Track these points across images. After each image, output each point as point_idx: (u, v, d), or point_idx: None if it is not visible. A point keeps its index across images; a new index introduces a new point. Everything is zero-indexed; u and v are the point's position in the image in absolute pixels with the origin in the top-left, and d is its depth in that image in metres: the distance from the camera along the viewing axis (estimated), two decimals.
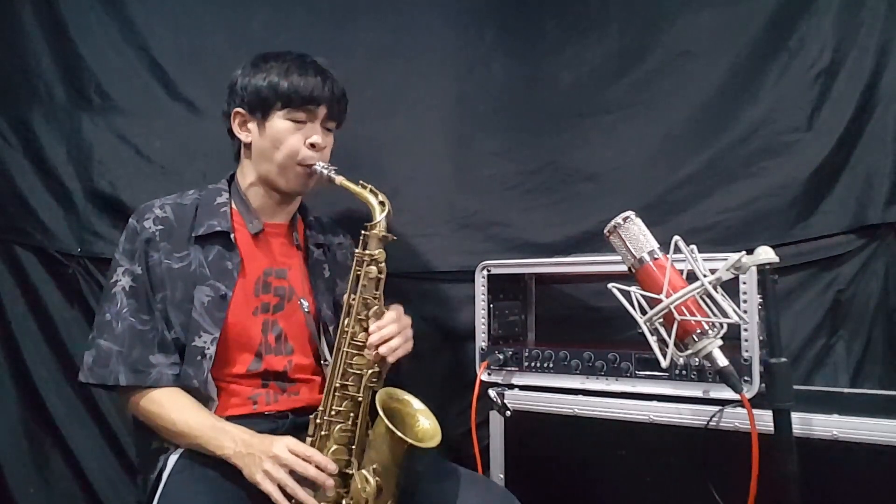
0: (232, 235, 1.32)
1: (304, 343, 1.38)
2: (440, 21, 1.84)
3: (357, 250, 1.28)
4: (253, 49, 1.82)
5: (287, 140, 1.33)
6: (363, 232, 1.28)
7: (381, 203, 1.28)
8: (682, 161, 1.70)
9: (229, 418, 1.24)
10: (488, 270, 1.52)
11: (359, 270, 1.26)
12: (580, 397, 1.36)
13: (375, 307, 1.25)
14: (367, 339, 1.23)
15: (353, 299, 1.25)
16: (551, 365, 1.42)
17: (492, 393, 1.45)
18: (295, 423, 1.31)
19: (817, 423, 1.13)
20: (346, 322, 1.25)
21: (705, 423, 1.21)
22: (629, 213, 1.08)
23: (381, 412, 1.14)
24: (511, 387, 1.46)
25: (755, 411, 1.11)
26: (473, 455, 1.43)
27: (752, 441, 1.10)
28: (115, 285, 1.27)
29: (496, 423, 1.44)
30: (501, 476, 1.43)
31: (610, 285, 1.07)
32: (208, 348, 1.26)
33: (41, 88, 1.78)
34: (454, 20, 1.84)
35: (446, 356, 1.78)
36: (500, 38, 1.83)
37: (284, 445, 1.12)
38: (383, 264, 1.26)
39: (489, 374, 1.49)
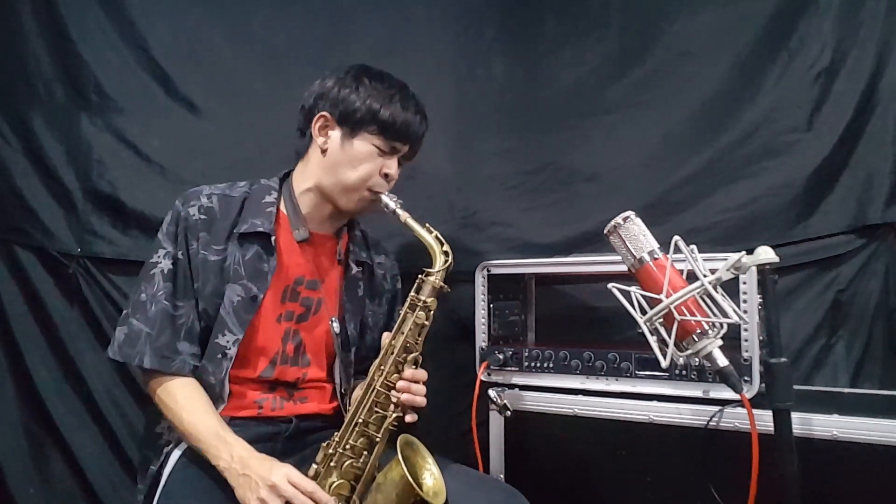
0: (273, 238, 1.29)
1: (321, 358, 1.37)
2: (440, 21, 1.84)
3: (412, 293, 1.25)
4: (252, 48, 1.84)
5: (366, 163, 1.30)
6: (420, 276, 1.25)
7: (445, 253, 1.25)
8: (682, 161, 1.70)
9: (233, 419, 1.23)
10: (488, 270, 1.52)
11: (409, 313, 1.24)
12: (580, 397, 1.36)
13: (415, 353, 1.23)
14: (396, 382, 1.21)
15: (396, 340, 1.23)
16: (551, 365, 1.42)
17: (492, 393, 1.45)
18: (298, 428, 1.30)
19: (817, 423, 1.13)
20: (382, 360, 1.23)
21: (705, 423, 1.21)
22: (629, 213, 1.08)
23: (401, 459, 1.11)
24: (511, 387, 1.46)
25: (755, 411, 1.11)
26: (473, 455, 1.43)
27: (752, 441, 1.10)
28: (154, 266, 1.25)
29: (496, 423, 1.44)
30: (501, 476, 1.43)
31: (610, 285, 1.07)
32: (230, 348, 1.24)
33: (41, 88, 1.78)
34: (454, 20, 1.84)
35: (446, 356, 1.77)
36: (500, 38, 1.83)
37: (284, 476, 1.08)
38: (432, 313, 1.24)
39: (489, 374, 1.49)
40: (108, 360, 1.28)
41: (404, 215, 1.29)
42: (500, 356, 1.47)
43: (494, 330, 1.53)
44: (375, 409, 1.21)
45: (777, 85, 1.64)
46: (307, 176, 1.35)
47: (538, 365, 1.44)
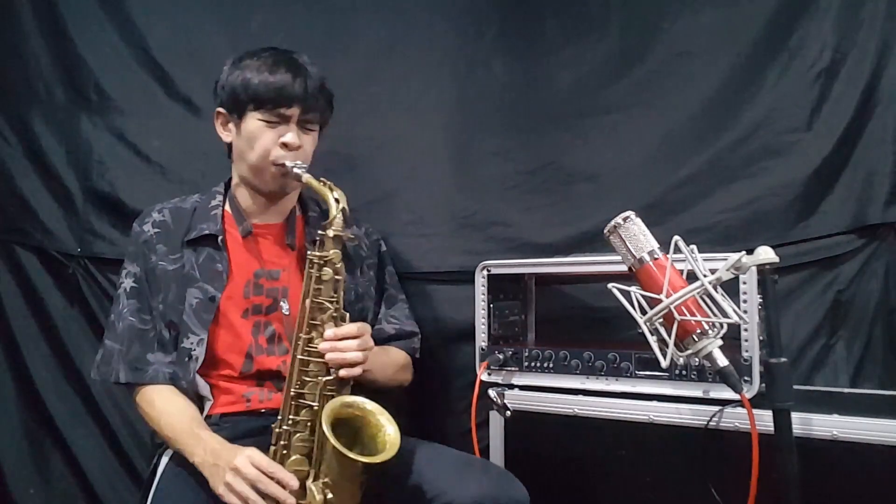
0: (220, 238, 1.33)
1: None
2: (440, 21, 1.84)
3: (310, 252, 1.24)
4: (252, 48, 1.83)
5: (260, 139, 1.30)
6: (319, 232, 1.24)
7: (337, 200, 1.24)
8: (682, 161, 1.70)
9: (224, 415, 1.26)
10: (488, 270, 1.52)
11: (313, 273, 1.22)
12: (580, 397, 1.36)
13: (331, 310, 1.21)
14: (320, 346, 1.19)
15: (306, 303, 1.21)
16: (551, 365, 1.42)
17: (492, 393, 1.45)
18: None
19: (817, 423, 1.13)
20: (297, 328, 1.22)
21: (705, 423, 1.21)
22: (629, 213, 1.08)
23: (325, 429, 1.09)
24: (511, 387, 1.46)
25: (755, 411, 1.11)
26: (473, 455, 1.43)
27: (752, 441, 1.10)
28: (119, 286, 1.33)
29: (496, 423, 1.44)
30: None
31: (610, 285, 1.07)
32: (195, 349, 1.27)
33: (41, 88, 1.78)
34: (454, 20, 1.84)
35: (446, 356, 1.77)
36: (500, 38, 1.83)
37: (247, 458, 1.09)
38: (340, 265, 1.22)
39: (489, 374, 1.49)
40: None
41: (306, 176, 1.28)
42: (500, 356, 1.47)
43: (494, 330, 1.53)
44: (306, 378, 1.19)
45: (777, 85, 1.64)
46: (234, 174, 1.41)
47: (538, 365, 1.44)
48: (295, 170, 1.29)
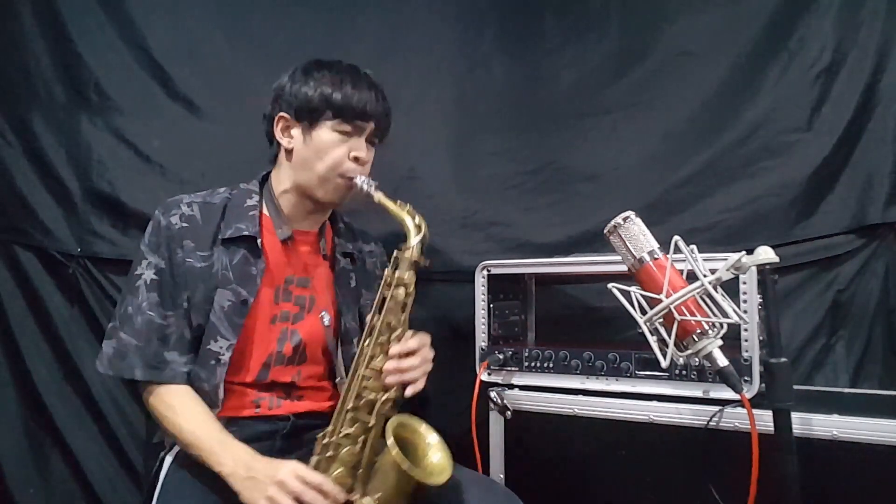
0: (259, 241, 1.29)
1: (319, 355, 1.36)
2: (440, 21, 1.84)
3: (387, 271, 1.24)
4: (252, 48, 1.84)
5: (332, 151, 1.29)
6: (395, 253, 1.25)
7: (418, 226, 1.25)
8: (682, 161, 1.70)
9: (231, 419, 1.23)
10: (488, 270, 1.52)
11: (386, 292, 1.23)
12: (580, 397, 1.36)
13: (398, 331, 1.22)
14: (383, 364, 1.20)
15: (377, 320, 1.22)
16: (551, 365, 1.42)
17: (492, 393, 1.45)
18: (296, 426, 1.30)
19: (817, 423, 1.13)
20: (365, 343, 1.22)
21: (705, 423, 1.21)
22: (629, 213, 1.08)
23: (390, 441, 1.11)
24: (511, 387, 1.46)
25: (755, 411, 1.11)
26: (473, 455, 1.43)
27: (752, 441, 1.09)
28: (138, 278, 1.25)
29: (496, 423, 1.44)
30: (501, 476, 1.43)
31: (610, 285, 1.07)
32: (223, 354, 1.23)
33: (41, 88, 1.78)
34: (454, 20, 1.84)
35: (446, 356, 1.77)
36: (500, 38, 1.83)
37: (292, 472, 1.09)
38: (412, 289, 1.23)
39: (489, 374, 1.49)
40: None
41: (378, 195, 1.28)
42: (500, 356, 1.47)
43: (494, 330, 1.53)
44: (364, 393, 1.20)
45: (777, 85, 1.64)
46: (282, 179, 1.36)
47: (538, 365, 1.44)
48: (365, 187, 1.29)
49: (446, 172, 1.82)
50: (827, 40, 1.60)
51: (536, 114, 1.81)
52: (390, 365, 1.19)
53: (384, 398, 1.19)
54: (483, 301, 1.51)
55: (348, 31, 1.84)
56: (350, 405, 1.19)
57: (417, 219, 1.26)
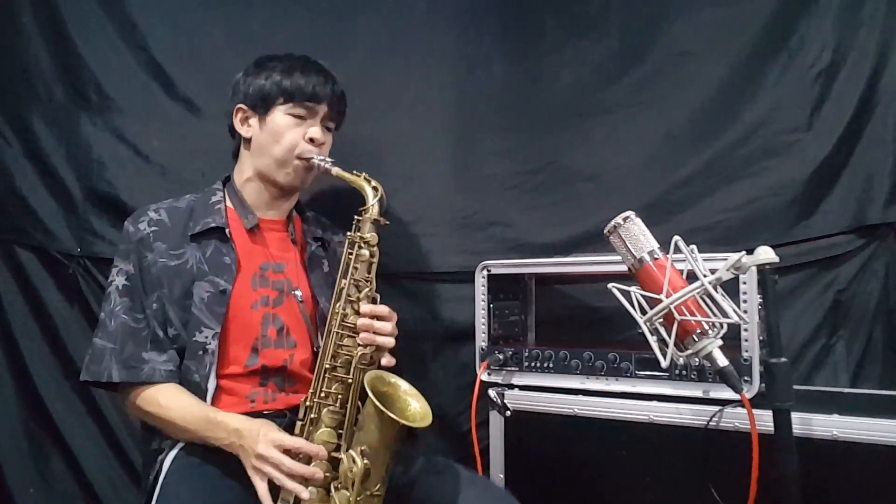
0: (227, 230, 1.34)
1: (305, 337, 1.39)
2: (440, 21, 1.84)
3: (349, 233, 1.30)
4: (252, 48, 1.83)
5: (287, 134, 1.36)
6: (356, 216, 1.30)
7: (374, 188, 1.31)
8: (682, 161, 1.70)
9: None
10: (488, 270, 1.52)
11: (350, 253, 1.28)
12: (580, 397, 1.36)
13: (367, 289, 1.26)
14: (357, 323, 1.24)
15: (344, 282, 1.27)
16: (551, 365, 1.42)
17: (492, 393, 1.45)
18: (293, 422, 1.29)
19: (817, 423, 1.13)
20: (337, 305, 1.26)
21: (705, 423, 1.21)
22: (629, 213, 1.08)
23: (370, 393, 1.13)
24: (511, 387, 1.46)
25: (755, 411, 1.11)
26: (473, 455, 1.43)
27: (752, 441, 1.10)
28: (110, 285, 1.31)
29: (496, 423, 1.44)
30: (501, 476, 1.43)
31: (610, 285, 1.07)
32: (209, 343, 1.27)
33: (41, 88, 1.78)
34: (454, 20, 1.84)
35: (446, 356, 1.77)
36: (500, 38, 1.83)
37: (269, 442, 1.11)
38: (375, 248, 1.28)
39: (489, 374, 1.49)
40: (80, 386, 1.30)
41: (336, 170, 1.35)
42: (500, 356, 1.47)
43: (494, 330, 1.53)
44: (340, 352, 1.23)
45: (777, 85, 1.64)
46: (244, 168, 1.42)
47: (538, 365, 1.44)
48: (323, 164, 1.35)
49: (446, 172, 1.82)
50: (827, 40, 1.60)
51: (536, 114, 1.81)
52: (363, 322, 1.23)
53: (360, 354, 1.22)
54: (483, 301, 1.51)
55: (348, 32, 1.84)
56: (328, 364, 1.23)
57: (374, 182, 1.33)
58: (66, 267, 1.77)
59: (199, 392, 1.25)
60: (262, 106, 1.37)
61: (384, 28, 1.85)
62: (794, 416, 1.00)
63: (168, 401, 1.23)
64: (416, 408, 1.20)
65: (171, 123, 1.81)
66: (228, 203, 1.41)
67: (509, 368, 1.47)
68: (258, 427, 1.15)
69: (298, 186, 1.43)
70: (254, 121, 1.39)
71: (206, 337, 1.27)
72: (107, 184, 1.77)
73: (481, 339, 1.51)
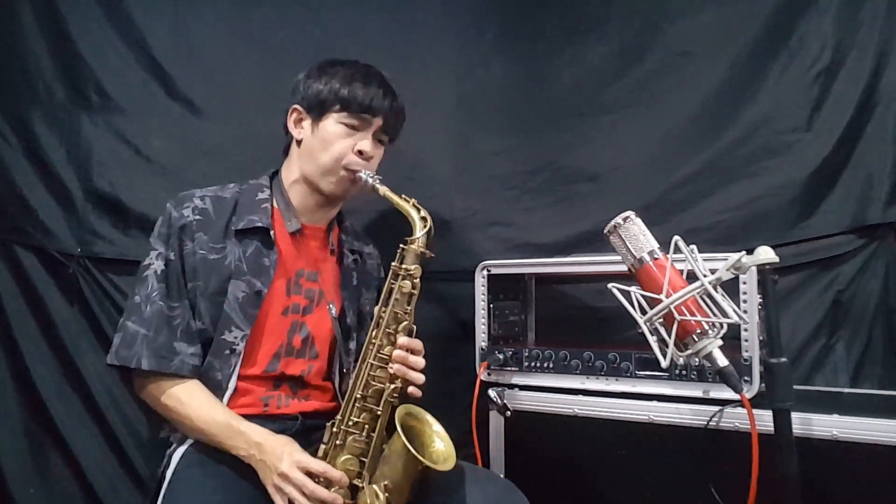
0: (271, 232, 1.32)
1: (326, 350, 1.38)
2: (440, 21, 1.84)
3: (394, 263, 1.27)
4: (252, 48, 1.84)
5: (336, 143, 1.33)
6: (402, 246, 1.27)
7: (423, 219, 1.28)
8: (682, 161, 1.70)
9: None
10: (488, 270, 1.52)
11: (393, 284, 1.26)
12: (580, 397, 1.36)
13: (405, 322, 1.25)
14: (391, 354, 1.22)
15: (384, 312, 1.25)
16: (551, 365, 1.42)
17: (492, 393, 1.45)
18: (305, 426, 1.30)
19: (817, 423, 1.13)
20: (374, 334, 1.25)
21: (705, 423, 1.21)
22: (629, 213, 1.08)
23: (399, 429, 1.13)
24: (511, 387, 1.46)
25: (755, 411, 1.11)
26: (474, 455, 1.43)
27: (752, 441, 1.10)
28: (147, 268, 1.26)
29: (496, 423, 1.44)
30: (502, 476, 1.43)
31: (610, 285, 1.07)
32: (238, 344, 1.25)
33: (41, 88, 1.77)
34: (454, 20, 1.84)
35: (446, 356, 1.77)
36: (500, 38, 1.83)
37: (294, 463, 1.11)
38: (418, 280, 1.26)
39: (489, 374, 1.49)
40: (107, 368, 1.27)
41: (383, 189, 1.31)
42: (500, 356, 1.47)
43: (494, 330, 1.53)
44: (372, 382, 1.22)
45: (777, 85, 1.64)
46: (292, 169, 1.39)
47: (538, 365, 1.44)
48: (370, 182, 1.31)
49: (446, 172, 1.82)
50: (827, 40, 1.60)
51: (536, 114, 1.81)
52: (398, 353, 1.22)
53: (392, 387, 1.21)
54: (483, 301, 1.51)
55: (348, 31, 1.84)
56: (359, 394, 1.22)
57: (423, 212, 1.29)
58: (66, 267, 1.77)
59: (219, 391, 1.24)
60: (316, 110, 1.34)
61: (384, 28, 1.85)
62: (794, 416, 1.00)
63: (190, 399, 1.21)
64: (439, 448, 1.20)
65: (171, 123, 1.81)
66: (274, 202, 1.38)
67: (509, 368, 1.47)
68: (282, 446, 1.14)
69: (341, 197, 1.40)
70: (307, 123, 1.36)
71: (236, 338, 1.25)
72: (107, 184, 1.76)
73: (481, 339, 1.51)
